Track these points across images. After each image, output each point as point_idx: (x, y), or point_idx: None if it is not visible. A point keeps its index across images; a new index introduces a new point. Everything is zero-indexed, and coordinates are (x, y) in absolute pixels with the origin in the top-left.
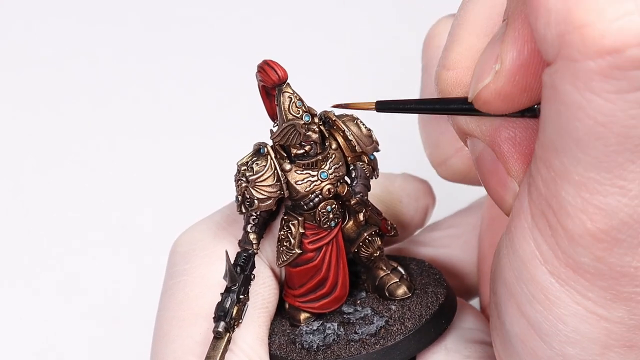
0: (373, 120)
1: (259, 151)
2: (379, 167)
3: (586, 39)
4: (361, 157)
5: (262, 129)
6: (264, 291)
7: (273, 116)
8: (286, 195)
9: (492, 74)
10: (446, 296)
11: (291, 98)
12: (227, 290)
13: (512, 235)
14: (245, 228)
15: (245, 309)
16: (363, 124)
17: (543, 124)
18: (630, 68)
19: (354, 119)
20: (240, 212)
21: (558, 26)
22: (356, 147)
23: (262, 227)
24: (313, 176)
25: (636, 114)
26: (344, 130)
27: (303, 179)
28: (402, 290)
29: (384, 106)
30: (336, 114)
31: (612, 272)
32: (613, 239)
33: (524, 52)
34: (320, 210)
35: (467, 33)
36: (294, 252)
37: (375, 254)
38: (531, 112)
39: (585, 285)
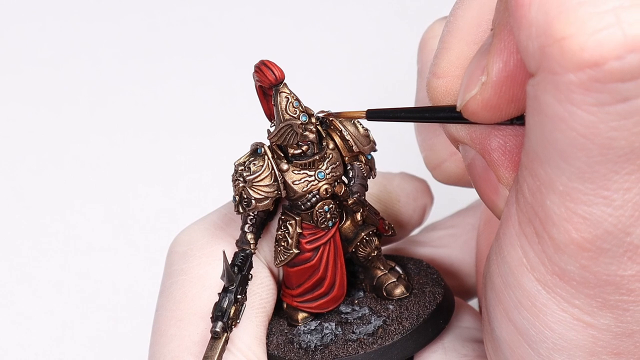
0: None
1: (256, 151)
2: (376, 166)
3: (566, 52)
4: (358, 157)
5: (260, 129)
6: (261, 291)
7: (270, 116)
8: (283, 195)
9: (479, 85)
10: (444, 296)
11: (288, 98)
12: (225, 290)
13: (500, 242)
14: (242, 228)
15: (242, 309)
16: (360, 124)
17: (527, 134)
18: (610, 81)
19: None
20: (238, 212)
21: (539, 38)
22: (353, 147)
23: (260, 227)
24: (310, 176)
25: (618, 126)
26: (341, 130)
27: (300, 179)
28: (399, 290)
29: (374, 114)
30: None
31: (598, 281)
32: (598, 248)
33: (509, 64)
34: (317, 210)
35: (456, 40)
36: (291, 252)
37: (372, 254)
38: (521, 120)
39: (572, 293)
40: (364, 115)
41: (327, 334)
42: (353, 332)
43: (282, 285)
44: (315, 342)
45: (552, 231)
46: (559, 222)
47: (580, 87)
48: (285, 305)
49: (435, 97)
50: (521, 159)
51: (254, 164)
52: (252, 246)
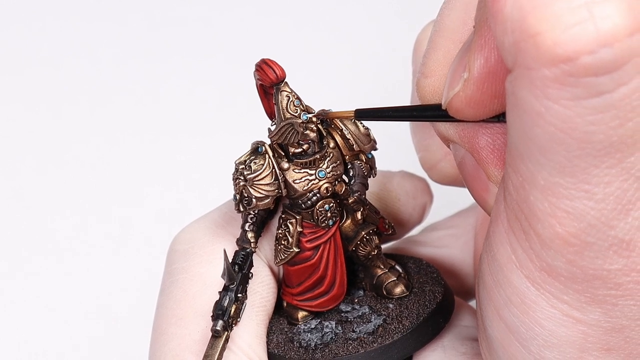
0: None
1: (257, 150)
2: (376, 165)
3: (540, 47)
4: (359, 156)
5: (260, 128)
6: (262, 290)
7: (271, 115)
8: (284, 194)
9: (462, 82)
10: (444, 295)
11: (289, 97)
12: (225, 289)
13: (490, 240)
14: (243, 227)
15: (243, 307)
16: (361, 123)
17: (509, 130)
18: (584, 75)
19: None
20: (238, 210)
21: (514, 34)
22: (354, 146)
23: (260, 225)
24: (311, 175)
25: (595, 120)
26: (342, 129)
27: (301, 178)
28: (399, 289)
29: (362, 114)
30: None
31: (585, 275)
32: (583, 242)
33: (490, 60)
34: (318, 209)
35: (443, 39)
36: (291, 250)
37: (372, 253)
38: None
39: (560, 289)
40: (352, 114)
41: (327, 332)
42: (353, 331)
43: (282, 284)
44: (315, 340)
45: (537, 227)
46: (543, 217)
47: (555, 82)
48: (285, 304)
49: (423, 96)
50: (506, 155)
51: (255, 162)
52: (252, 245)
